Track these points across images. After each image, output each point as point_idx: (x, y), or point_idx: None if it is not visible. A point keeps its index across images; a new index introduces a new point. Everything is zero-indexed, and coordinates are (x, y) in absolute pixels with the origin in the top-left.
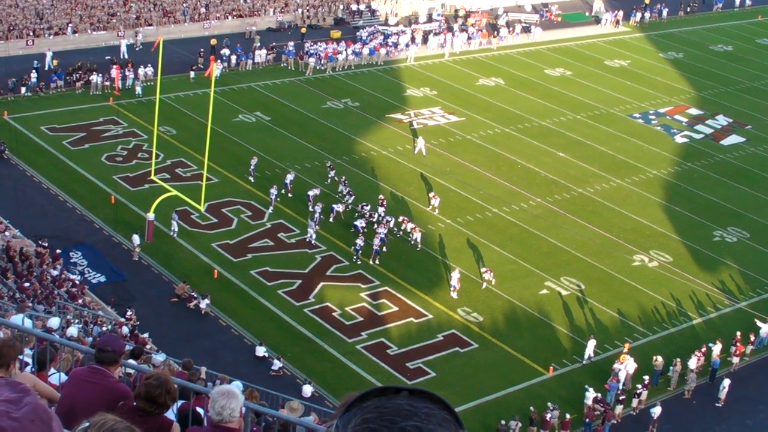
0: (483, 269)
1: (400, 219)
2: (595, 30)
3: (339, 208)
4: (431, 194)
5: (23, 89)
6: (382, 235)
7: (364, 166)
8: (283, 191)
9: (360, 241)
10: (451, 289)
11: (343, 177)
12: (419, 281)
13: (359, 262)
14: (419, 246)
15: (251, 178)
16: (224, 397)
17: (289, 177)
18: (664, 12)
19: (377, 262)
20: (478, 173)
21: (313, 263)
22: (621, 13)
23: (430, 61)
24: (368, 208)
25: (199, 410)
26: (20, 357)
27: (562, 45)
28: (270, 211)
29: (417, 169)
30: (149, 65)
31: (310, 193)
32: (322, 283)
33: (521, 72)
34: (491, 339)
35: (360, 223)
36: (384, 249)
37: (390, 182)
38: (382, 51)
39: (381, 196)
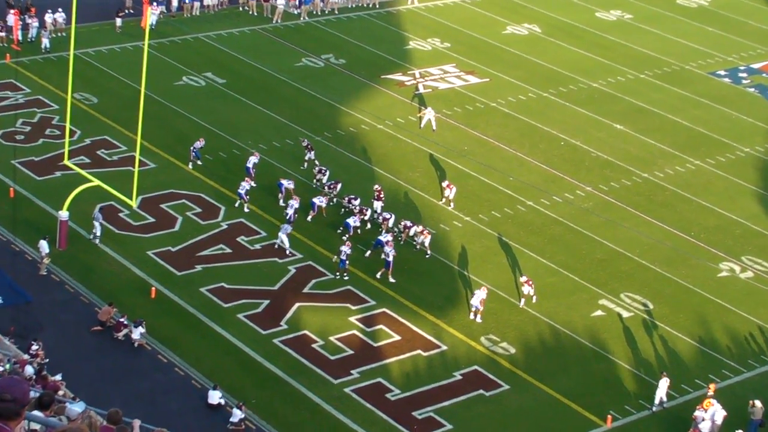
0: (522, 278)
1: (402, 225)
2: None
3: (321, 202)
4: (444, 183)
5: None
6: (388, 245)
7: (352, 145)
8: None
9: (346, 249)
10: (472, 310)
11: (319, 168)
12: (429, 300)
13: (346, 277)
14: (428, 252)
15: (199, 162)
16: None
17: (252, 160)
18: None
19: (391, 279)
20: (506, 153)
21: (286, 277)
22: None
23: (440, 2)
24: (357, 202)
25: None
26: None
27: None
28: (245, 209)
29: (424, 149)
30: (59, 10)
31: (284, 183)
32: (297, 304)
33: (564, 15)
34: (526, 378)
35: (353, 221)
36: (389, 258)
37: (388, 167)
38: None
39: (377, 187)
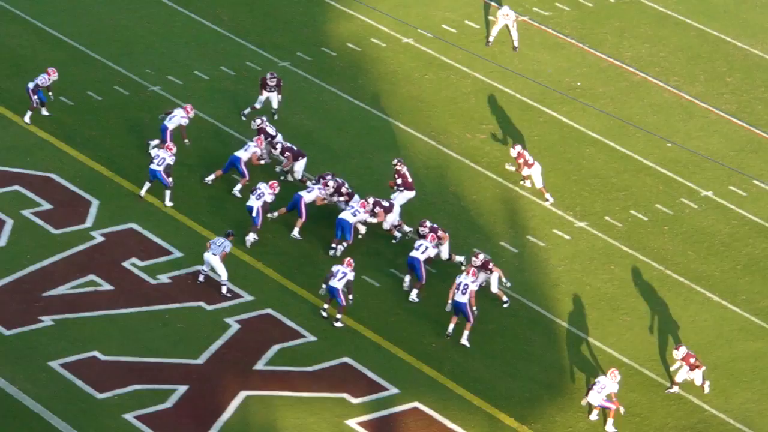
0: (678, 352)
1: (428, 233)
2: None
3: (308, 197)
4: (516, 150)
5: None
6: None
7: (356, 70)
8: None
9: (345, 270)
10: (594, 407)
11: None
12: (499, 385)
13: (339, 324)
14: (500, 296)
15: (44, 112)
16: None
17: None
18: None
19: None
20: (661, 92)
21: (221, 339)
22: None
23: None
24: (346, 188)
25: None
26: None
27: None
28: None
29: (493, 85)
30: None
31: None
32: (243, 393)
33: None
34: None
35: (352, 214)
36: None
37: (420, 120)
38: None
39: (397, 163)
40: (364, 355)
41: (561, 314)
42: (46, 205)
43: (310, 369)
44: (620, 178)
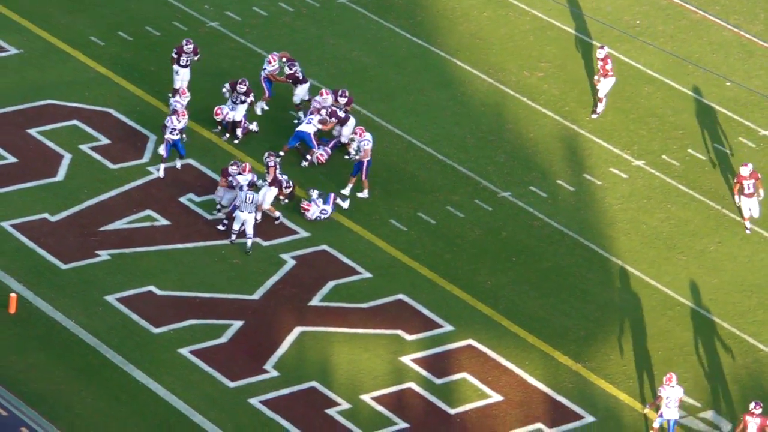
0: None
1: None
2: None
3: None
4: (604, 66)
5: None
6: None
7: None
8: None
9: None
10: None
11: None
12: (555, 319)
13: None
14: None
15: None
16: None
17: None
18: None
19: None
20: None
21: (276, 275)
22: None
23: None
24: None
25: None
26: None
27: None
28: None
29: (548, 21)
30: None
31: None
32: (298, 329)
33: None
34: None
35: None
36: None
37: (476, 62)
38: None
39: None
40: (419, 292)
41: (617, 253)
42: (104, 140)
43: (365, 305)
44: (678, 117)
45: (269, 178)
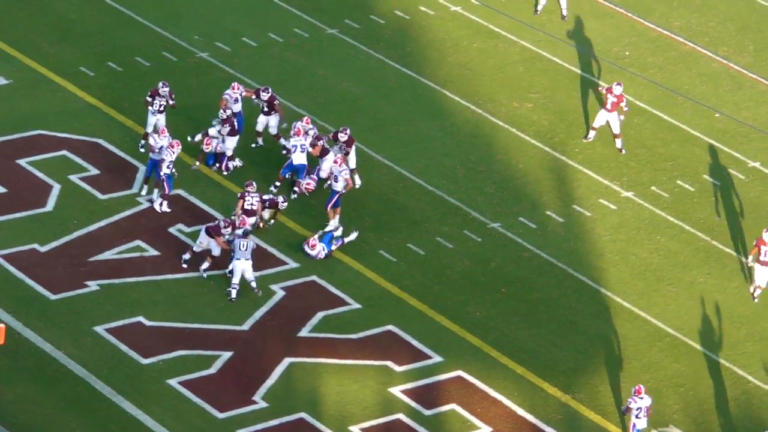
0: None
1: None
2: None
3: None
4: (612, 99)
5: None
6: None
7: (395, 37)
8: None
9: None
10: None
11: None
12: (545, 351)
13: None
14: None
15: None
16: None
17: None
18: None
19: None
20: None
21: (266, 306)
22: None
23: None
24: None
25: None
26: None
27: None
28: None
29: (541, 54)
30: None
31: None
32: (287, 360)
33: None
34: None
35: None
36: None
37: (466, 88)
38: None
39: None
40: (408, 323)
41: (606, 284)
42: (94, 170)
43: (354, 336)
44: (667, 149)
45: (238, 210)
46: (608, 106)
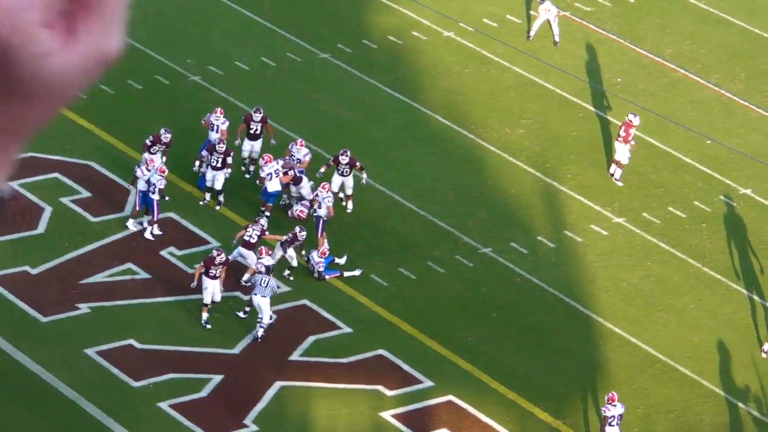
0: None
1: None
2: None
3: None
4: (628, 130)
5: None
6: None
7: (387, 61)
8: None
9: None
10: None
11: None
12: (536, 377)
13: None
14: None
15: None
16: None
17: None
18: None
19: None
20: (704, 91)
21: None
22: None
23: None
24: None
25: None
26: None
27: None
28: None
29: (534, 80)
30: None
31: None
32: (278, 384)
33: None
34: None
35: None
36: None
37: (459, 113)
38: None
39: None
40: (399, 347)
41: (597, 310)
42: (85, 193)
43: (345, 360)
44: (659, 175)
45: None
46: (631, 140)
